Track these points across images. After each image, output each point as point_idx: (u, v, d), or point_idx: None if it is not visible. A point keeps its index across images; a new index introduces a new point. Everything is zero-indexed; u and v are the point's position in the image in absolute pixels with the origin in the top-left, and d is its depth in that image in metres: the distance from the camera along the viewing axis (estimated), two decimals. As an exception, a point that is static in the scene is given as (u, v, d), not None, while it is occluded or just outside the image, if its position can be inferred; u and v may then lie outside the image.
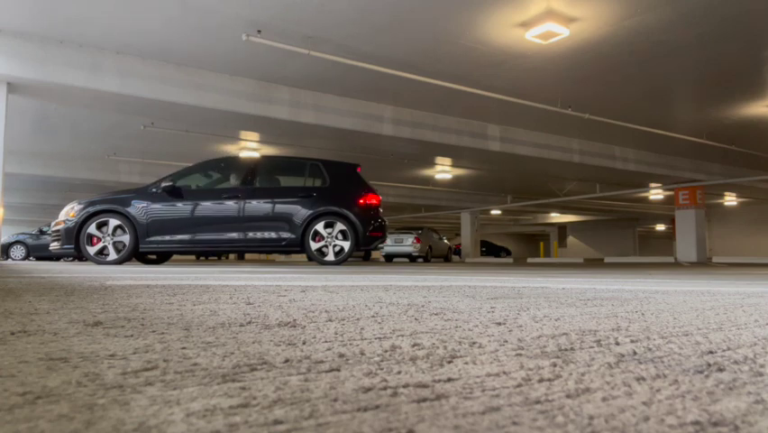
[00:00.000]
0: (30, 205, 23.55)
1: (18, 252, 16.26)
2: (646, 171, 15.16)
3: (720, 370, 0.70)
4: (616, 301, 1.75)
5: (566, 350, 0.85)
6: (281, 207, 7.47)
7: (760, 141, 13.68)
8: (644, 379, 0.65)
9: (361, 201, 7.61)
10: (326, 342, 0.92)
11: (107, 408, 0.52)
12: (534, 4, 6.69)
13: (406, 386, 0.61)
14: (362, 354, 0.81)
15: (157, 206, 7.31)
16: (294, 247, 7.45)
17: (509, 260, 25.77)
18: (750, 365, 0.73)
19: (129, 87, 8.15)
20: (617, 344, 0.90)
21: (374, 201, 7.73)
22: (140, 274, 4.03)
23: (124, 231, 7.20)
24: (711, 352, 0.83)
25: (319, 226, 7.41)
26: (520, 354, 0.81)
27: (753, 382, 0.64)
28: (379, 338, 0.96)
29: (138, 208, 7.27)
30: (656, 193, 22.06)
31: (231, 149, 14.52)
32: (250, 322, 1.18)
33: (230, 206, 7.43)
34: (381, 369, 0.70)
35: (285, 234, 7.41)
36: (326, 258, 7.41)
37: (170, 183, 7.38)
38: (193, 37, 7.63)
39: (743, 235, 27.51)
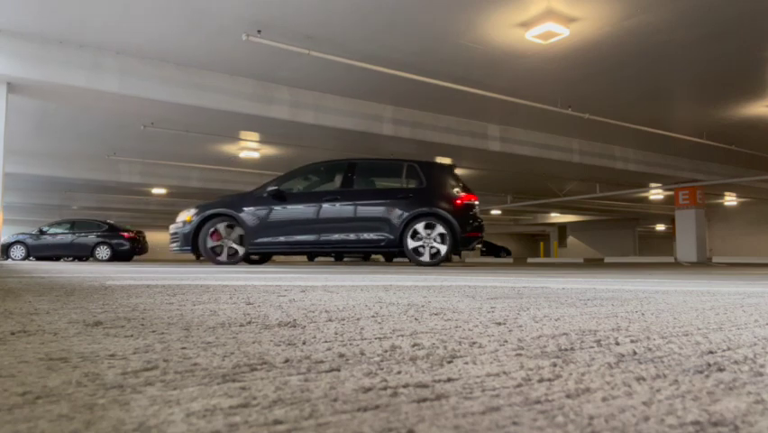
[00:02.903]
0: (30, 205, 23.55)
1: (18, 252, 16.25)
2: (646, 171, 15.16)
3: (720, 370, 0.70)
4: (616, 301, 1.75)
5: (566, 350, 0.85)
6: (379, 209, 7.59)
7: (760, 141, 13.68)
8: (644, 379, 0.65)
9: (458, 202, 7.56)
10: (326, 342, 0.92)
11: (107, 408, 0.52)
12: (534, 4, 6.69)
13: (406, 386, 0.61)
14: (362, 354, 0.81)
15: (263, 209, 7.72)
16: (392, 248, 7.56)
17: (509, 260, 25.75)
18: (750, 365, 0.73)
19: (129, 87, 8.15)
20: (617, 344, 0.90)
21: (471, 201, 7.65)
22: (140, 274, 4.03)
23: (237, 233, 7.77)
24: (711, 352, 0.83)
25: (418, 227, 7.44)
26: (520, 354, 0.81)
27: (753, 382, 0.64)
28: (379, 338, 0.96)
29: (246, 212, 7.72)
30: (656, 193, 22.05)
31: (231, 149, 14.52)
32: (250, 322, 1.18)
33: (330, 208, 7.67)
34: (381, 369, 0.70)
35: (384, 236, 7.53)
36: (422, 258, 7.43)
37: (275, 187, 7.78)
38: (193, 37, 7.63)
39: (743, 235, 27.51)
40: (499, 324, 1.17)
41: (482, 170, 18.11)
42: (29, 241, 16.33)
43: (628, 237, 34.43)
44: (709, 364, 0.74)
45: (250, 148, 14.52)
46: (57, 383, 0.61)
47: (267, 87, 9.39)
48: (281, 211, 7.71)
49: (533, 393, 0.58)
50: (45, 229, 16.73)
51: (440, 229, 7.41)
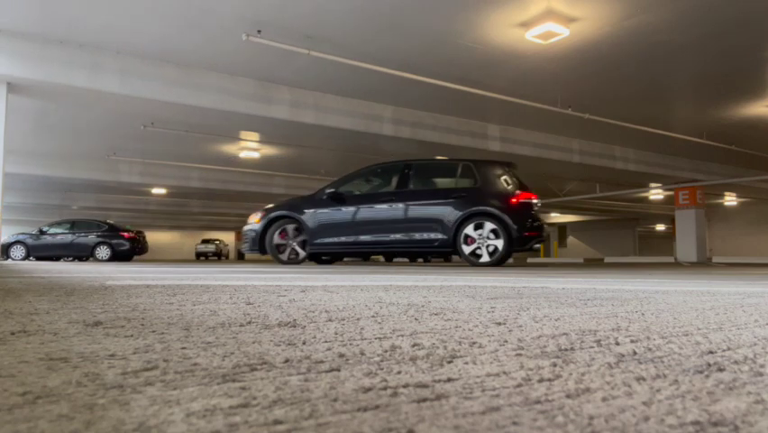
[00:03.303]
0: (30, 205, 23.56)
1: (18, 252, 16.25)
2: (646, 171, 15.16)
3: (720, 370, 0.70)
4: (616, 301, 1.75)
5: (566, 350, 0.85)
6: (433, 209, 7.55)
7: (760, 141, 13.68)
8: (644, 379, 0.65)
9: (514, 200, 7.36)
10: (326, 342, 0.92)
11: (107, 408, 0.52)
12: (534, 4, 6.69)
13: (406, 386, 0.61)
14: (362, 354, 0.81)
15: (322, 211, 7.98)
16: (446, 248, 7.49)
17: (509, 260, 25.70)
18: (750, 365, 0.73)
19: (129, 87, 8.15)
20: (617, 344, 0.90)
21: (528, 200, 7.44)
22: (140, 274, 4.03)
23: (300, 234, 8.08)
24: (711, 352, 0.83)
25: (470, 227, 7.34)
26: (520, 354, 0.81)
27: (753, 382, 0.64)
28: (379, 338, 0.96)
29: (306, 214, 8.02)
30: (656, 193, 22.05)
31: (231, 149, 14.52)
32: (250, 322, 1.18)
33: (384, 209, 7.77)
34: (381, 369, 0.70)
35: (437, 236, 7.48)
36: (481, 259, 7.31)
37: (333, 190, 8.03)
38: (193, 37, 7.63)
39: (743, 235, 27.51)
40: (499, 324, 1.17)
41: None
42: (29, 241, 16.32)
43: (628, 237, 34.43)
44: (709, 364, 0.74)
45: (250, 148, 14.52)
46: (57, 383, 0.61)
47: (267, 87, 9.39)
48: (338, 213, 7.95)
49: (533, 393, 0.58)
50: (45, 229, 16.73)
51: (492, 226, 7.26)
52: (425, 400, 0.55)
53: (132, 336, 0.98)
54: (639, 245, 36.41)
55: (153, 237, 40.78)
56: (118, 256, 16.51)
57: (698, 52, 8.17)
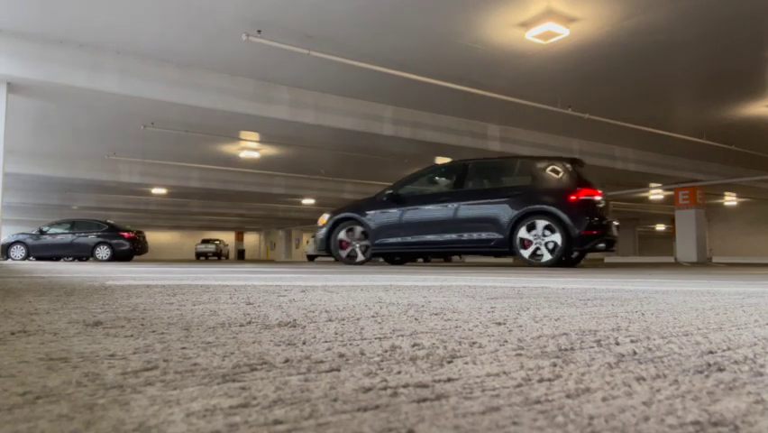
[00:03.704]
0: (30, 205, 23.56)
1: (18, 252, 16.25)
2: (646, 171, 15.15)
3: (720, 370, 0.70)
4: (616, 301, 1.75)
5: (566, 350, 0.85)
6: (488, 208, 7.44)
7: (760, 141, 13.68)
8: (644, 379, 0.65)
9: (573, 197, 7.04)
10: (326, 342, 0.92)
11: (107, 408, 0.52)
12: (534, 4, 6.69)
13: (406, 386, 0.61)
14: (362, 354, 0.81)
15: (381, 212, 8.15)
16: (501, 248, 7.34)
17: (509, 260, 25.75)
18: (750, 365, 0.73)
19: (129, 87, 8.15)
20: (617, 344, 0.90)
21: (589, 197, 7.09)
22: (140, 274, 4.03)
23: (365, 236, 8.27)
24: (711, 352, 0.83)
25: (526, 226, 7.16)
26: (520, 354, 0.81)
27: (753, 382, 0.64)
28: (379, 338, 0.96)
29: (368, 215, 8.22)
30: (656, 193, 22.05)
31: (231, 149, 14.52)
32: (250, 322, 1.18)
33: (439, 209, 7.77)
34: (381, 369, 0.70)
35: (492, 236, 7.36)
36: (534, 259, 7.14)
37: (392, 191, 8.19)
38: (193, 37, 7.63)
39: (743, 235, 27.50)
40: (499, 324, 1.17)
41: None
42: (29, 241, 16.32)
43: (628, 237, 34.43)
44: (709, 364, 0.73)
45: (250, 148, 14.52)
46: (57, 383, 0.61)
47: (267, 87, 9.39)
48: (396, 214, 8.05)
49: (533, 393, 0.58)
50: (45, 229, 16.72)
51: (551, 227, 7.02)
52: (425, 400, 0.55)
53: (132, 336, 0.98)
54: (639, 245, 36.41)
55: (153, 237, 40.78)
56: (118, 256, 16.50)
57: (698, 52, 8.17)
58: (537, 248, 7.09)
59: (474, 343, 0.91)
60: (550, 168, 7.43)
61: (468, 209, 7.58)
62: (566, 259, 7.58)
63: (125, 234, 16.76)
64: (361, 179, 20.00)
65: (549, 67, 8.77)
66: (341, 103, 10.15)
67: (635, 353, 0.82)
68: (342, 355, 0.79)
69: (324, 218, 8.54)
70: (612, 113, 11.07)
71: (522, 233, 7.16)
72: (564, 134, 13.17)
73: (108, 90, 8.01)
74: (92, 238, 16.52)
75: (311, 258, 22.56)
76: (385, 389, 0.60)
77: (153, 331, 1.04)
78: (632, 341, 0.93)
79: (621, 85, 9.64)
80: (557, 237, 6.95)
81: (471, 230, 7.51)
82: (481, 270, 6.22)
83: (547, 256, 7.03)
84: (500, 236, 7.28)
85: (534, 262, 7.09)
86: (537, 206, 7.11)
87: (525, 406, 0.53)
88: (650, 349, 0.85)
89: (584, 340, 0.94)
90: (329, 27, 7.31)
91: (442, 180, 8.25)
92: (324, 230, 8.46)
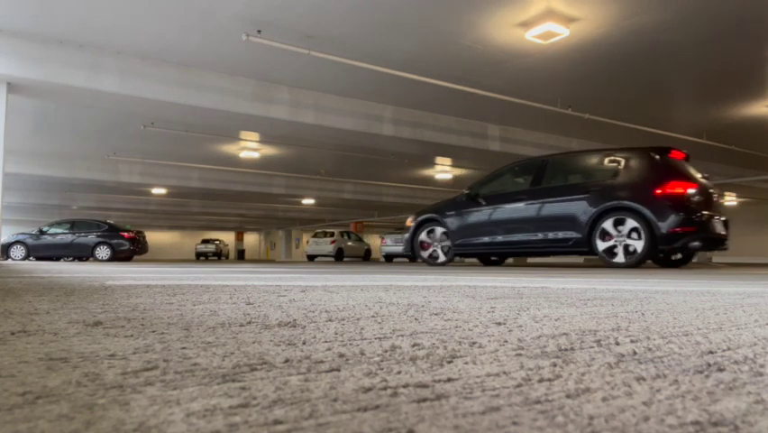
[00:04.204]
0: (30, 205, 23.56)
1: (18, 252, 16.24)
2: (646, 171, 15.13)
3: (720, 370, 0.70)
4: (616, 301, 1.75)
5: (566, 350, 0.85)
6: (565, 206, 7.08)
7: (760, 141, 13.68)
8: (644, 379, 0.65)
9: (659, 191, 6.42)
10: (326, 342, 0.92)
11: (107, 408, 0.52)
12: (534, 4, 6.69)
13: (406, 386, 0.61)
14: (362, 354, 0.81)
15: (460, 212, 8.11)
16: (580, 248, 6.95)
17: (509, 260, 25.77)
18: (750, 365, 0.73)
19: (129, 87, 8.15)
20: (617, 344, 0.90)
21: (678, 191, 6.41)
22: (140, 274, 4.03)
23: (447, 237, 8.20)
24: (711, 352, 0.83)
25: (607, 223, 6.67)
26: (520, 354, 0.80)
27: (753, 382, 0.64)
28: (379, 338, 0.96)
29: (447, 216, 8.21)
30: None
31: (231, 149, 14.52)
32: (250, 322, 1.18)
33: (517, 208, 7.55)
34: (381, 369, 0.70)
35: (570, 234, 7.00)
36: (615, 259, 6.62)
37: (470, 191, 8.16)
38: (193, 37, 7.63)
39: (743, 235, 27.49)
40: (499, 324, 1.17)
41: (482, 169, 18.10)
42: (29, 241, 16.32)
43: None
44: (709, 364, 0.73)
45: (250, 148, 14.52)
46: (57, 383, 0.61)
47: (267, 87, 9.39)
48: (474, 214, 7.97)
49: (533, 393, 0.58)
50: (45, 229, 16.72)
51: (633, 225, 6.49)
52: (425, 400, 0.55)
53: (132, 336, 0.98)
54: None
55: (153, 237, 40.81)
56: (118, 256, 16.51)
57: (698, 52, 8.17)
58: (615, 246, 6.63)
59: (474, 343, 0.91)
60: (634, 160, 6.85)
61: (545, 208, 7.26)
62: (665, 258, 7.24)
63: (125, 234, 16.75)
64: (361, 179, 20.00)
65: (549, 67, 8.77)
66: (341, 103, 10.15)
67: (635, 353, 0.82)
68: (342, 355, 0.79)
69: (409, 220, 8.65)
70: (612, 113, 11.08)
71: (601, 231, 6.73)
72: (564, 134, 13.17)
73: (108, 90, 8.01)
74: (92, 238, 16.51)
75: (311, 258, 22.57)
76: (385, 389, 0.60)
77: (153, 331, 1.04)
78: (632, 341, 0.93)
79: (621, 85, 9.64)
80: (639, 236, 6.44)
81: (549, 229, 7.20)
82: (479, 269, 6.22)
83: (623, 257, 6.55)
84: (579, 235, 6.90)
85: (613, 263, 6.61)
86: (617, 202, 6.62)
87: (525, 406, 0.53)
88: (650, 349, 0.85)
89: (584, 340, 0.94)
90: (329, 27, 7.31)
91: (520, 178, 7.96)
92: (408, 232, 8.58)
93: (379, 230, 42.30)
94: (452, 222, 8.13)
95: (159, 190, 20.40)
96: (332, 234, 22.57)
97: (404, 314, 1.36)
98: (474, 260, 9.70)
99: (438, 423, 0.47)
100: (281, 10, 6.83)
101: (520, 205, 7.53)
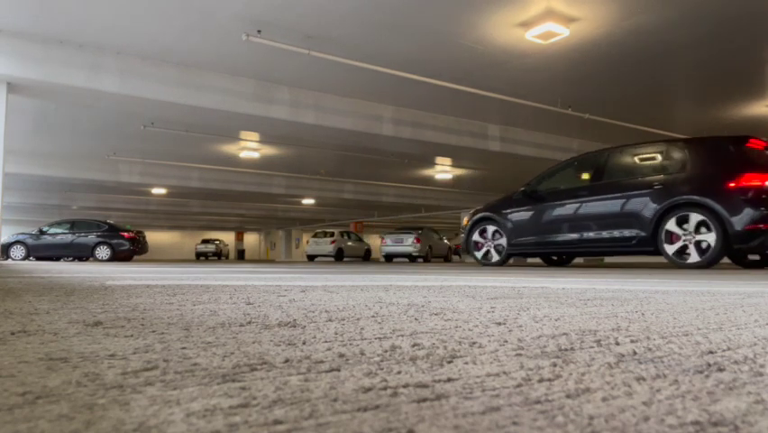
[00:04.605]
0: (30, 205, 23.56)
1: (18, 252, 16.24)
2: (646, 171, 15.14)
3: (720, 370, 0.70)
4: (616, 301, 1.75)
5: (566, 350, 0.85)
6: (628, 202, 6.60)
7: (760, 141, 13.68)
8: (644, 379, 0.65)
9: (732, 185, 5.87)
10: (326, 342, 0.92)
11: (107, 408, 0.52)
12: (534, 4, 6.69)
13: (406, 386, 0.61)
14: (362, 354, 0.81)
15: (516, 210, 7.78)
16: (645, 247, 6.46)
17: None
18: (750, 365, 0.73)
19: (129, 87, 8.15)
20: (617, 344, 0.90)
21: (755, 183, 5.81)
22: (140, 274, 4.04)
23: (501, 236, 7.90)
24: (711, 352, 0.83)
25: (672, 222, 6.18)
26: (520, 354, 0.80)
27: (753, 382, 0.64)
28: (379, 338, 0.96)
29: (503, 214, 7.89)
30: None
31: (231, 149, 14.52)
32: (250, 322, 1.18)
33: (575, 205, 7.14)
34: (381, 369, 0.70)
35: (633, 233, 6.51)
36: (688, 260, 6.08)
37: (525, 188, 7.79)
38: (193, 37, 7.63)
39: None
40: (499, 324, 1.17)
41: (482, 169, 18.11)
42: (29, 241, 16.31)
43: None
44: (709, 364, 0.73)
45: (250, 148, 14.52)
46: (57, 383, 0.61)
47: (267, 87, 9.39)
48: (530, 212, 7.62)
49: (533, 393, 0.58)
50: (45, 229, 16.72)
51: (703, 222, 5.97)
52: (425, 400, 0.55)
53: (132, 336, 0.98)
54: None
55: (153, 237, 40.79)
56: (118, 256, 16.50)
57: (698, 52, 8.18)
58: (685, 246, 6.11)
59: (474, 343, 0.91)
60: (708, 150, 6.30)
61: (606, 204, 6.79)
62: (744, 259, 6.88)
63: (125, 234, 16.75)
64: (361, 179, 20.00)
65: (549, 67, 8.77)
66: (341, 103, 10.15)
67: (635, 353, 0.82)
68: (342, 355, 0.79)
69: (466, 219, 8.44)
70: (612, 113, 11.08)
71: (668, 229, 6.21)
72: (564, 134, 13.18)
73: (108, 90, 8.01)
74: (92, 238, 16.51)
75: (311, 258, 22.58)
76: (385, 389, 0.60)
77: (153, 331, 1.04)
78: (632, 341, 0.93)
79: (621, 85, 9.64)
80: (711, 234, 5.91)
81: (611, 227, 6.72)
82: (479, 269, 6.22)
83: (696, 256, 6.03)
84: (643, 233, 6.40)
85: (682, 264, 6.13)
86: (685, 197, 6.10)
87: (525, 406, 0.53)
88: (650, 349, 0.85)
89: (584, 340, 0.94)
90: (329, 27, 7.31)
91: (580, 174, 7.50)
92: (465, 231, 8.34)
93: (379, 230, 42.32)
94: (507, 221, 7.78)
95: (159, 190, 20.40)
96: (332, 235, 22.57)
97: (404, 314, 1.36)
98: (536, 260, 9.42)
99: (438, 423, 0.47)
100: (281, 10, 6.83)
101: (578, 202, 7.09)
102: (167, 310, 1.42)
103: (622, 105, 10.77)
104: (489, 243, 8.03)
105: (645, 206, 6.42)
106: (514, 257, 8.23)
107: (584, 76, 9.18)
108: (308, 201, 24.11)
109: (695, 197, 6.03)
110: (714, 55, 8.28)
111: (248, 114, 9.21)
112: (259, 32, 7.37)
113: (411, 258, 19.98)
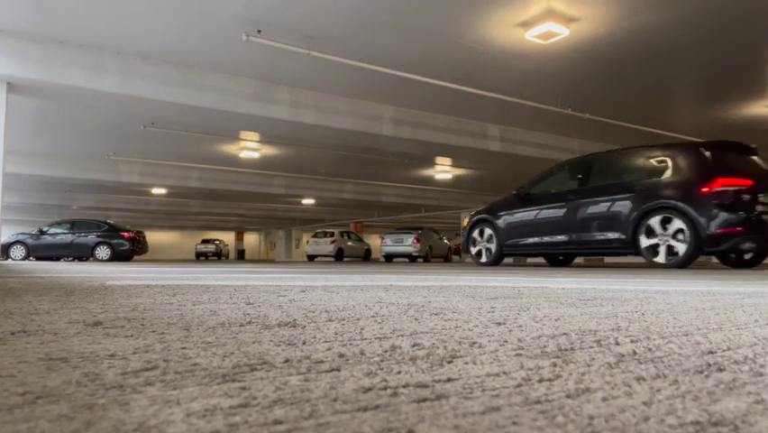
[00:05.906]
0: (30, 205, 23.55)
1: (18, 252, 16.24)
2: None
3: (720, 370, 0.70)
4: (616, 301, 1.75)
5: (566, 350, 0.85)
6: (609, 206, 6.89)
7: (760, 141, 13.67)
8: (644, 379, 0.65)
9: (705, 189, 6.02)
10: (326, 342, 0.92)
11: (107, 408, 0.52)
12: (534, 4, 6.69)
13: (406, 386, 0.61)
14: (362, 354, 0.81)
15: (509, 213, 8.09)
16: (625, 249, 6.73)
17: (509, 260, 25.73)
18: (750, 365, 0.73)
19: (129, 87, 8.15)
20: (617, 344, 0.90)
21: (729, 187, 5.96)
22: (140, 274, 4.04)
23: (496, 237, 8.18)
24: (711, 352, 0.83)
25: (651, 223, 6.40)
26: (520, 354, 0.80)
27: (753, 382, 0.64)
28: (379, 338, 0.96)
29: (498, 216, 8.20)
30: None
31: (231, 149, 14.52)
32: (250, 322, 1.18)
33: (561, 209, 7.44)
34: (381, 369, 0.70)
35: (614, 236, 6.79)
36: (656, 258, 6.35)
37: (518, 191, 8.11)
38: (193, 37, 7.63)
39: None
40: (499, 324, 1.17)
41: (482, 170, 18.11)
42: (29, 241, 16.31)
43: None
44: (709, 364, 0.73)
45: (250, 148, 14.52)
46: (57, 383, 0.61)
47: (267, 87, 9.39)
48: (521, 214, 7.93)
49: (533, 393, 0.58)
50: (45, 229, 16.72)
51: (678, 225, 6.17)
52: (425, 400, 0.55)
53: (132, 336, 0.98)
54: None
55: (153, 237, 40.80)
56: (118, 256, 16.50)
57: (698, 52, 8.18)
58: (658, 244, 6.37)
59: (474, 343, 0.91)
60: (680, 156, 6.48)
61: (589, 208, 7.10)
62: (735, 258, 7.05)
63: (125, 234, 16.75)
64: (361, 179, 20.00)
65: (549, 67, 8.77)
66: (341, 103, 10.15)
67: (635, 353, 0.82)
68: (342, 355, 0.79)
69: (466, 220, 8.81)
70: (612, 113, 11.08)
71: (644, 232, 6.47)
72: (564, 134, 13.18)
73: (108, 90, 8.01)
74: (92, 238, 16.51)
75: (311, 258, 22.58)
76: (385, 389, 0.60)
77: (153, 331, 1.04)
78: (632, 341, 0.93)
79: (621, 85, 9.64)
80: (684, 236, 6.12)
81: (594, 230, 7.02)
82: (479, 269, 6.21)
83: (664, 258, 6.30)
84: (623, 236, 6.67)
85: (658, 264, 6.37)
86: (660, 201, 6.35)
87: (525, 406, 0.53)
88: (650, 349, 0.85)
89: (584, 340, 0.94)
90: (329, 27, 7.31)
91: (568, 178, 7.75)
92: (465, 232, 8.70)
93: (378, 230, 42.31)
94: (502, 222, 8.11)
95: (159, 190, 20.39)
96: (332, 235, 22.57)
97: (404, 314, 1.36)
98: (536, 260, 9.73)
99: (438, 423, 0.47)
100: (281, 10, 6.83)
101: (565, 205, 7.39)
102: (167, 310, 1.42)
103: (622, 106, 10.77)
104: (486, 243, 8.36)
105: (624, 210, 6.72)
106: (511, 257, 8.52)
107: (584, 76, 9.18)
108: (308, 201, 24.11)
109: (671, 201, 6.27)
110: (714, 55, 8.28)
111: (248, 114, 9.20)
112: (259, 32, 7.37)
113: (411, 258, 19.98)
